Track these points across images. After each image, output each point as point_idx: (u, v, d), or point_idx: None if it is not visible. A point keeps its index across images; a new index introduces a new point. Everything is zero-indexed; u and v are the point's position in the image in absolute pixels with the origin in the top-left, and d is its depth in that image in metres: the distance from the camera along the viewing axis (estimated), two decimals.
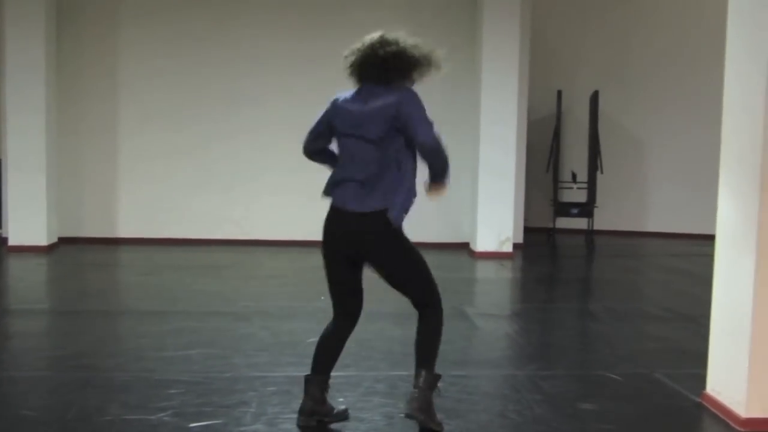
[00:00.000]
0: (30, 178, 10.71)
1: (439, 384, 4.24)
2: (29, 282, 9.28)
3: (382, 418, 4.50)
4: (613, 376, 5.45)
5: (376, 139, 4.06)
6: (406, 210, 4.21)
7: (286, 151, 11.05)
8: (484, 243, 10.94)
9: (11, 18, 10.60)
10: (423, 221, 11.80)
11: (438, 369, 5.46)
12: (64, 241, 11.24)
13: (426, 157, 4.18)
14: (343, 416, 4.43)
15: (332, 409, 4.39)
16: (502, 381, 5.40)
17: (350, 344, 5.87)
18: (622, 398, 5.01)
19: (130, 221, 11.69)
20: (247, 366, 5.47)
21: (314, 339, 5.92)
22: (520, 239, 11.72)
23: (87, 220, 11.63)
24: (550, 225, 12.97)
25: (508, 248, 10.96)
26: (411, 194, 4.25)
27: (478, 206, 10.96)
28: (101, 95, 11.58)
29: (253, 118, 11.42)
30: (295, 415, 4.35)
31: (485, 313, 7.59)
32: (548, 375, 5.46)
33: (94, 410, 4.55)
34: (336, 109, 4.22)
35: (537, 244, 12.32)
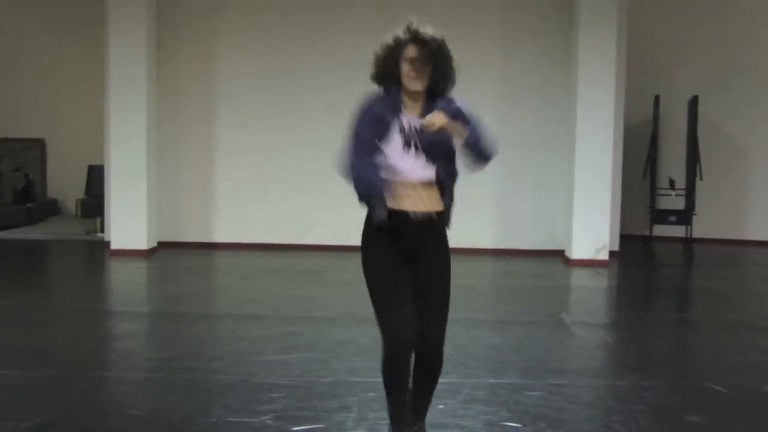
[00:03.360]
0: (131, 184, 10.98)
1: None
2: (131, 285, 9.52)
3: (483, 425, 4.47)
4: (719, 388, 5.30)
5: None
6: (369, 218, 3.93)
7: None
8: (579, 250, 10.78)
9: (114, 29, 10.90)
10: (517, 228, 11.81)
11: (537, 376, 5.44)
12: (163, 246, 11.49)
13: None
14: None
15: None
16: (604, 391, 5.31)
17: (449, 351, 5.87)
18: (729, 412, 4.88)
19: (227, 226, 11.89)
20: (347, 371, 5.50)
21: None
22: (616, 247, 11.52)
23: (185, 225, 11.87)
24: (647, 233, 12.71)
25: (604, 256, 10.78)
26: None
27: (573, 213, 10.80)
28: (199, 104, 11.81)
29: (347, 124, 11.45)
30: None
31: (582, 322, 7.48)
32: (651, 385, 5.34)
33: (198, 412, 4.64)
34: None
35: (633, 252, 12.09)
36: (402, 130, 3.84)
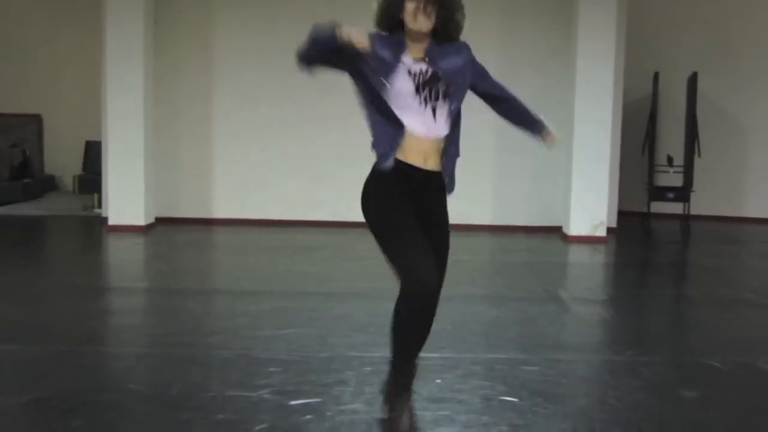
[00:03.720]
0: (129, 160, 10.96)
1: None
2: (128, 261, 9.52)
3: (481, 400, 4.48)
4: (715, 363, 5.30)
5: None
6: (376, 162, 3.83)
7: None
8: (577, 227, 10.79)
9: (111, 4, 10.83)
10: (515, 204, 11.81)
11: (534, 352, 5.45)
12: (161, 222, 11.48)
13: None
14: None
15: None
16: (601, 366, 5.33)
17: (446, 326, 5.89)
18: (725, 387, 4.89)
19: (225, 202, 11.88)
20: (344, 346, 5.51)
21: None
22: (614, 223, 11.53)
23: (183, 201, 11.87)
24: (645, 209, 12.72)
25: (602, 232, 10.79)
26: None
27: (572, 190, 10.80)
28: (197, 79, 11.77)
29: (347, 101, 11.37)
30: None
31: (580, 298, 7.49)
32: (647, 361, 5.35)
33: (196, 386, 4.65)
34: None
35: (631, 229, 12.11)
36: (410, 72, 3.72)
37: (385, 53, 3.71)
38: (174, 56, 11.68)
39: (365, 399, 4.43)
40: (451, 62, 3.78)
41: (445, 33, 3.78)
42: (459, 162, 3.93)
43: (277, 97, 11.72)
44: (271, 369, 4.94)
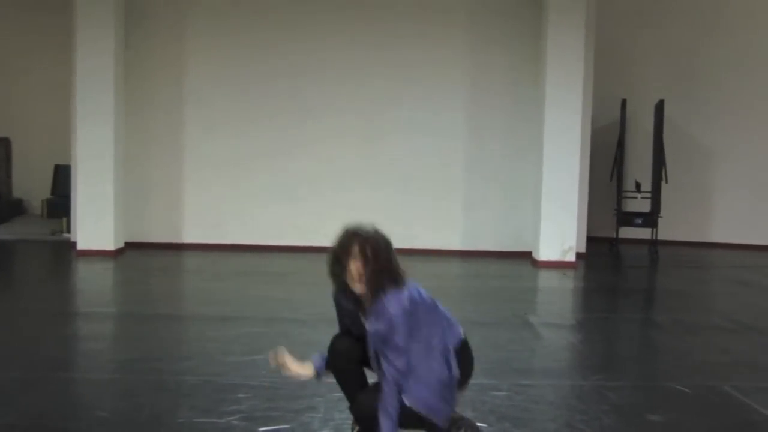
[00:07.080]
0: (98, 184, 10.92)
1: None
2: (97, 286, 9.47)
3: None
4: (681, 388, 5.36)
5: None
6: None
7: (350, 160, 11.13)
8: (546, 252, 10.87)
9: (82, 28, 10.83)
10: (485, 229, 11.87)
11: (502, 377, 5.48)
12: (130, 246, 11.43)
13: None
14: None
15: None
16: (569, 391, 5.36)
17: None
18: (691, 411, 4.94)
19: (195, 227, 11.85)
20: None
21: None
22: (583, 249, 11.63)
23: (153, 226, 11.82)
24: (614, 235, 12.84)
25: (571, 258, 10.88)
26: None
27: (541, 215, 10.89)
28: (168, 103, 11.77)
29: (318, 127, 11.47)
30: None
31: (549, 323, 7.53)
32: (615, 386, 5.40)
33: (165, 413, 4.63)
34: None
35: (600, 254, 12.22)
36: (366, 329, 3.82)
37: (350, 306, 3.86)
38: (145, 81, 11.67)
39: (334, 425, 4.44)
40: (374, 325, 3.71)
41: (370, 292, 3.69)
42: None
43: (247, 125, 11.75)
44: (240, 395, 4.93)
